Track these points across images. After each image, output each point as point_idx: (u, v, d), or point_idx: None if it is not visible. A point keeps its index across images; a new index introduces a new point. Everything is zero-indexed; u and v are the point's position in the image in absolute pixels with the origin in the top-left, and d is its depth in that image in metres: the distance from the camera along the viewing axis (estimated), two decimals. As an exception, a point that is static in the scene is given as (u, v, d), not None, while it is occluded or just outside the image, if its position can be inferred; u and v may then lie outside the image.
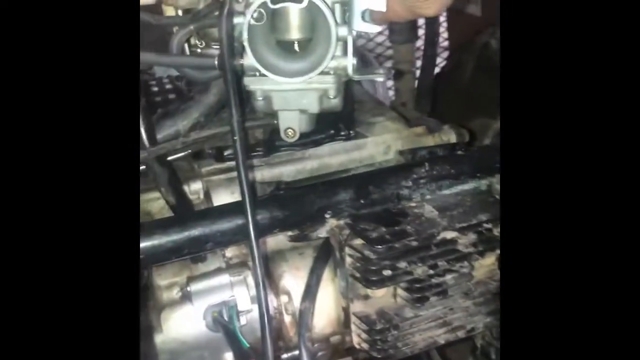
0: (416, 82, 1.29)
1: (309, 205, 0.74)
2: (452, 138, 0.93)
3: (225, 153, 0.90)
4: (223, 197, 0.86)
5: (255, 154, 0.90)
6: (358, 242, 0.72)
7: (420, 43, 1.36)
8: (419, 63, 1.34)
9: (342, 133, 0.94)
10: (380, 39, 2.18)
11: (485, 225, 0.74)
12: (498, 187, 0.82)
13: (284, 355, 0.83)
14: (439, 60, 1.93)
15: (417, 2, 0.63)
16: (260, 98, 0.72)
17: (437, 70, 1.59)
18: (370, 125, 1.01)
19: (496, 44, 1.07)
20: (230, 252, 0.87)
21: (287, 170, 0.91)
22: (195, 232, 0.70)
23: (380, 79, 0.71)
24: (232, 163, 0.91)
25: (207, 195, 0.87)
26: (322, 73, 0.69)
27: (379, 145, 0.96)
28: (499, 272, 0.77)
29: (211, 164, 0.90)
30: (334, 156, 0.94)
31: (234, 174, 0.89)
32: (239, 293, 0.81)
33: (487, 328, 0.81)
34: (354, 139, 0.95)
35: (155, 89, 1.18)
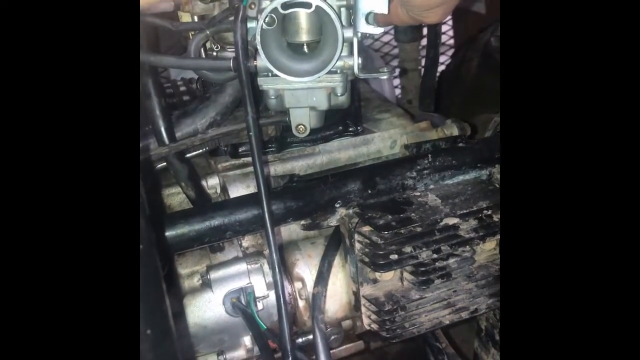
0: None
1: (320, 195, 0.78)
2: (455, 132, 0.98)
3: (240, 149, 0.95)
4: (239, 191, 0.91)
5: (268, 149, 0.95)
6: (366, 229, 0.77)
7: (425, 41, 1.40)
8: (424, 61, 1.38)
9: (350, 129, 0.99)
10: (386, 38, 2.22)
11: (485, 211, 0.79)
12: (498, 176, 0.86)
13: (299, 340, 0.88)
14: (445, 57, 1.97)
15: (419, 10, 0.67)
16: (273, 97, 0.77)
17: (442, 67, 1.63)
18: (377, 122, 1.06)
19: (496, 41, 1.11)
20: (246, 242, 0.92)
21: (299, 164, 0.96)
22: (215, 221, 0.75)
23: (384, 77, 0.75)
24: (247, 159, 0.96)
25: (224, 189, 0.92)
26: (330, 72, 0.74)
27: (386, 140, 1.01)
28: (499, 256, 0.82)
29: (227, 160, 0.95)
30: (342, 151, 0.99)
31: (249, 169, 0.95)
32: (255, 280, 0.87)
33: (490, 309, 0.85)
34: (361, 135, 1.00)
35: (170, 90, 1.24)
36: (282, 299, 0.71)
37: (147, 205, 0.51)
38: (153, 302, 0.48)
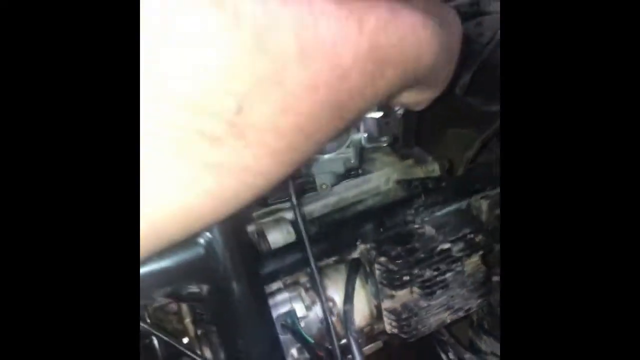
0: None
1: (345, 236, 1.03)
2: (436, 168, 1.24)
3: (268, 200, 1.19)
4: (274, 235, 1.14)
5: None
6: (383, 259, 1.01)
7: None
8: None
9: (352, 172, 1.24)
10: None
11: (469, 235, 1.04)
12: (475, 204, 1.12)
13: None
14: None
15: (410, 107, 0.90)
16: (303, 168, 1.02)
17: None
18: (371, 162, 1.31)
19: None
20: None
21: (316, 206, 1.20)
22: (271, 268, 0.99)
23: (384, 144, 1.00)
24: (276, 206, 1.20)
25: (261, 234, 1.16)
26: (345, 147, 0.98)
27: (381, 177, 1.25)
28: (483, 266, 1.08)
29: (259, 209, 1.19)
30: (349, 191, 1.22)
31: (279, 214, 1.18)
32: (296, 304, 1.11)
33: (479, 307, 1.11)
34: (362, 176, 1.25)
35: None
36: (328, 316, 0.96)
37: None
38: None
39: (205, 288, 0.77)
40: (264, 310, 0.80)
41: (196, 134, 0.43)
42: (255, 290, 0.77)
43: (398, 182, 1.24)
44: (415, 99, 0.85)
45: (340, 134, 0.56)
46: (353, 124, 0.97)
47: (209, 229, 0.70)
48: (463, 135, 1.42)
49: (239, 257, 0.73)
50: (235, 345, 0.75)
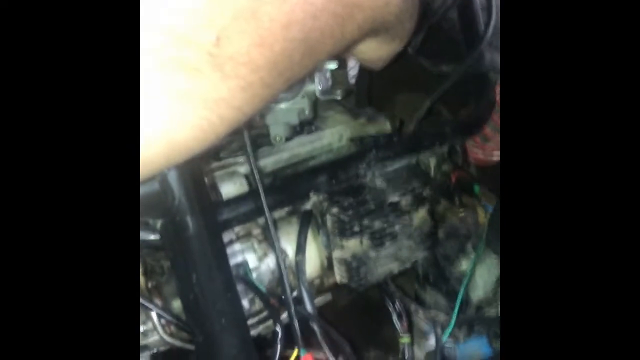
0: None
1: (299, 188, 1.04)
2: (387, 126, 1.27)
3: (220, 154, 1.19)
4: (227, 187, 1.14)
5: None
6: (335, 209, 1.04)
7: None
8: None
9: (306, 128, 1.25)
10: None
11: (417, 189, 1.08)
12: (424, 160, 1.16)
13: (287, 296, 1.14)
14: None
15: (368, 64, 0.91)
16: (257, 117, 1.02)
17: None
18: (324, 119, 1.32)
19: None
20: (237, 227, 1.16)
21: (269, 161, 1.20)
22: (225, 216, 0.99)
23: (338, 97, 1.02)
24: (228, 160, 1.20)
25: (214, 187, 1.16)
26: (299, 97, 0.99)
27: (334, 135, 1.27)
28: (429, 219, 1.12)
29: (211, 163, 1.19)
30: (302, 147, 1.23)
31: (231, 168, 1.19)
32: (248, 256, 1.12)
33: (425, 259, 1.16)
34: (315, 132, 1.26)
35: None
36: (282, 266, 0.98)
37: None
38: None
39: (159, 223, 0.78)
40: (219, 247, 0.81)
41: (177, 62, 0.45)
42: (210, 226, 0.78)
43: (351, 139, 1.26)
44: (378, 51, 0.87)
45: (309, 73, 0.58)
46: (320, 66, 0.97)
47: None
48: (413, 99, 1.46)
49: (194, 193, 0.74)
50: (190, 280, 0.77)
